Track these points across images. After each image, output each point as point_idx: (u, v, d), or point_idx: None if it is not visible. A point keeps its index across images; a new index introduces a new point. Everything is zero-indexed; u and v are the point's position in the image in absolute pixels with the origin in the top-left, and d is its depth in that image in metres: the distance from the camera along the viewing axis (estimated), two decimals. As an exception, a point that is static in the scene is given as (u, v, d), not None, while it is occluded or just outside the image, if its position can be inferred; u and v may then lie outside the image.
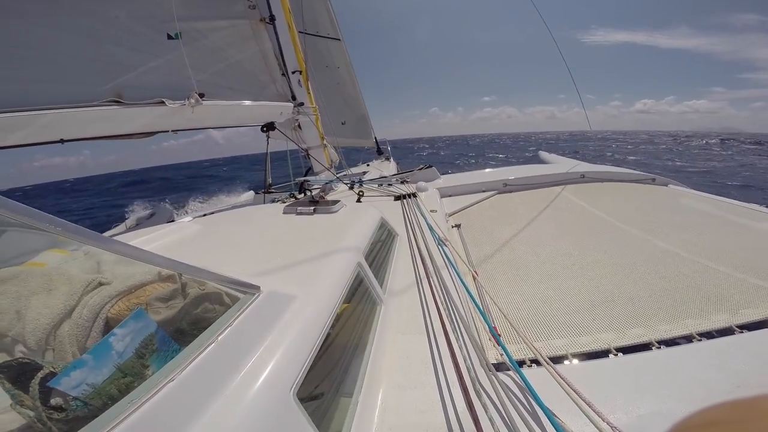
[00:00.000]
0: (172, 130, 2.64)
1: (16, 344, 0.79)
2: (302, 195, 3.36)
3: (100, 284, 0.90)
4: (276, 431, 0.65)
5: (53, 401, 0.52)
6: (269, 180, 4.11)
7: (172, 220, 3.55)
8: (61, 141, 2.09)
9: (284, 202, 3.13)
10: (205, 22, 2.93)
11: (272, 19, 3.48)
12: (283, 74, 3.67)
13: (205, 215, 2.98)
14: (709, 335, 1.26)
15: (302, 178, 3.97)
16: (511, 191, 3.61)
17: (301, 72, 3.89)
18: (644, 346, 1.24)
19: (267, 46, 3.46)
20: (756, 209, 2.49)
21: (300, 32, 3.98)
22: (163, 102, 2.36)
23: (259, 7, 3.37)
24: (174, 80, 2.57)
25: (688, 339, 1.25)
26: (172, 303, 0.83)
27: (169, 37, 2.59)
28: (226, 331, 0.75)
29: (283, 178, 4.72)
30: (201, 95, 2.56)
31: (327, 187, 3.57)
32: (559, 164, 4.65)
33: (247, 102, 3.13)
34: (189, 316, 0.77)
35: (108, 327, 0.83)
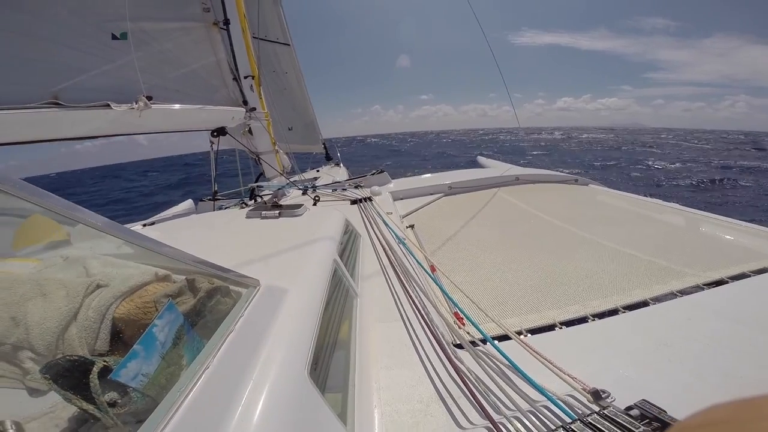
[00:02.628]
0: (119, 135, 2.48)
1: (20, 350, 0.78)
2: (253, 201, 3.31)
3: (98, 286, 0.90)
4: (300, 406, 0.71)
5: (113, 395, 0.55)
6: (215, 187, 3.97)
7: None
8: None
9: (241, 208, 3.07)
10: (155, 23, 2.79)
11: (227, 23, 3.41)
12: (234, 79, 3.59)
13: (154, 223, 2.82)
14: (630, 308, 1.51)
15: (254, 184, 3.90)
16: (455, 193, 3.87)
17: (253, 77, 3.84)
18: (582, 320, 1.47)
19: (220, 50, 3.37)
20: (659, 203, 2.98)
21: (253, 37, 3.92)
22: (108, 105, 2.22)
23: (213, 10, 3.29)
24: (120, 83, 2.42)
25: (614, 312, 1.50)
26: (182, 299, 0.86)
27: (114, 37, 2.44)
28: (240, 321, 0.80)
29: (223, 184, 4.55)
30: (149, 98, 2.45)
31: (280, 192, 3.54)
32: (496, 168, 5.06)
33: (198, 106, 3.03)
34: (205, 308, 0.82)
35: (116, 327, 0.85)
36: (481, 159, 6.63)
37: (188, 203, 4.82)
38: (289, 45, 6.65)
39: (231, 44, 3.54)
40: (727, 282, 1.66)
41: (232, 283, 0.94)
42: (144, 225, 2.59)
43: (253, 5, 4.13)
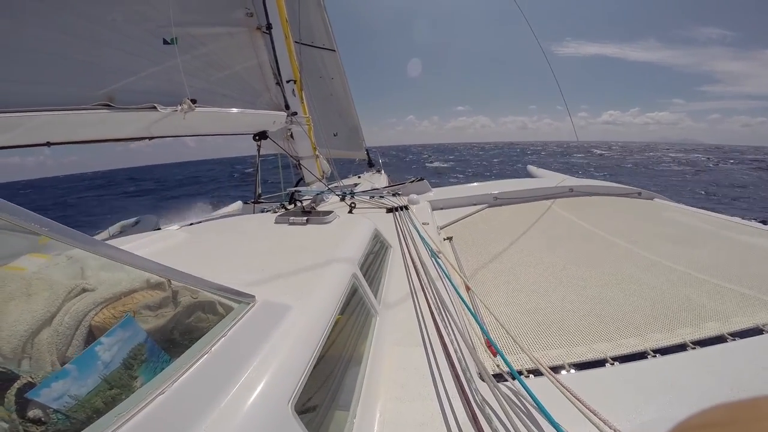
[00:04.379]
0: (165, 136, 2.59)
1: (-11, 352, 0.73)
2: (292, 206, 3.32)
3: (84, 290, 0.85)
4: None
5: (32, 414, 0.48)
6: (259, 190, 4.05)
7: (158, 229, 3.46)
8: (48, 144, 2.03)
9: (275, 212, 3.09)
10: (202, 29, 2.91)
11: (269, 27, 3.48)
12: (277, 83, 3.66)
13: (192, 224, 2.91)
14: (702, 343, 1.28)
15: (293, 189, 3.94)
16: (501, 205, 3.64)
17: (295, 81, 3.90)
18: (640, 355, 1.25)
19: (263, 54, 3.46)
20: (739, 222, 2.58)
21: (296, 42, 3.98)
22: (154, 107, 2.32)
23: (257, 15, 3.38)
24: (167, 86, 2.53)
25: (682, 347, 1.27)
26: (162, 311, 0.79)
27: (165, 42, 2.57)
28: (220, 341, 0.72)
29: (273, 186, 4.66)
30: (194, 101, 2.53)
31: (318, 198, 3.53)
32: (548, 178, 4.73)
33: (241, 110, 3.11)
34: (180, 325, 0.74)
35: (91, 335, 0.78)
36: (531, 168, 6.20)
37: (238, 204, 5.01)
38: (334, 51, 6.75)
39: (274, 48, 3.62)
40: None
41: (223, 297, 0.86)
42: (180, 227, 2.67)
43: (296, 10, 4.21)
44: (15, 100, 1.80)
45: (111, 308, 0.82)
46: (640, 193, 3.60)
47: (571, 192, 3.71)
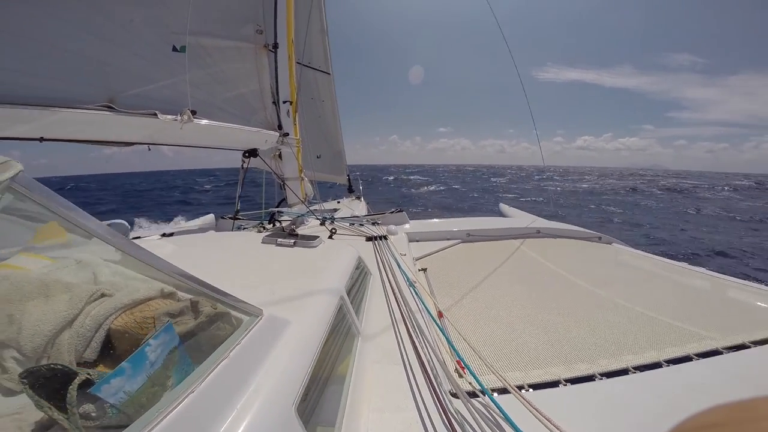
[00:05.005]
0: (159, 144, 2.59)
1: (5, 349, 0.75)
2: (271, 225, 3.35)
3: (103, 295, 0.88)
4: None
5: (90, 407, 0.52)
6: (238, 206, 4.05)
7: (138, 237, 3.37)
8: (41, 139, 2.00)
9: (259, 231, 3.11)
10: (213, 40, 2.99)
11: (275, 47, 3.60)
12: (274, 102, 3.75)
13: (171, 234, 2.86)
14: (641, 368, 1.46)
15: (275, 209, 3.96)
16: (473, 241, 3.82)
17: (291, 103, 4.00)
18: (589, 378, 1.42)
19: (264, 73, 3.56)
20: (685, 267, 2.90)
21: (297, 63, 4.11)
22: (155, 114, 2.34)
23: (265, 33, 3.50)
24: (168, 93, 2.56)
25: (624, 372, 1.45)
26: (182, 319, 0.83)
27: (174, 49, 2.61)
28: (236, 348, 0.79)
29: (247, 203, 4.64)
30: (194, 112, 2.57)
31: (299, 220, 3.58)
32: (518, 218, 5.00)
33: (237, 126, 3.16)
34: (204, 332, 0.79)
35: (109, 338, 0.82)
36: (502, 207, 6.52)
37: (210, 218, 4.92)
38: (329, 74, 6.95)
39: (276, 68, 3.72)
40: (749, 347, 1.61)
41: (234, 310, 0.92)
42: (163, 235, 2.63)
43: (302, 32, 4.36)
44: (18, 92, 1.79)
45: (130, 313, 0.86)
46: (600, 238, 3.90)
47: (538, 233, 3.96)
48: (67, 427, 0.50)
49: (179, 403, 0.59)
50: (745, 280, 2.50)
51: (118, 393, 0.53)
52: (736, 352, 1.56)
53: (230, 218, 3.95)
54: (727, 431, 0.20)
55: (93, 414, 0.52)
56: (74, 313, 0.80)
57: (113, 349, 0.81)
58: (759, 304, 2.11)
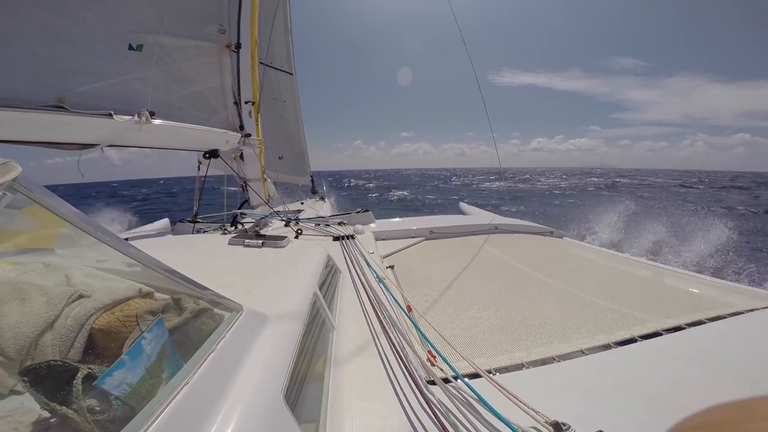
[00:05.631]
0: (114, 146, 2.48)
1: (-15, 352, 0.75)
2: (233, 228, 3.31)
3: (81, 296, 0.90)
4: (271, 428, 0.74)
5: (92, 401, 0.55)
6: (197, 209, 3.94)
7: None
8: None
9: (223, 233, 3.06)
10: (173, 39, 2.89)
11: (238, 47, 3.54)
12: (235, 103, 3.69)
13: (127, 239, 2.75)
14: (592, 350, 1.63)
15: (237, 211, 3.90)
16: (436, 238, 3.99)
17: (253, 103, 3.95)
18: (548, 360, 1.57)
19: (226, 73, 3.48)
20: (627, 257, 3.23)
21: (260, 62, 4.06)
22: (110, 114, 2.24)
23: (228, 33, 3.43)
24: (124, 93, 2.47)
25: (578, 354, 1.61)
26: (166, 316, 0.87)
27: (131, 47, 2.52)
28: (222, 342, 0.83)
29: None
30: (152, 113, 2.49)
31: (262, 221, 3.55)
32: (477, 216, 5.27)
33: (197, 126, 3.08)
34: (189, 328, 0.83)
35: (92, 338, 0.84)
36: (463, 206, 6.83)
37: (164, 222, 4.72)
38: (292, 74, 6.90)
39: (238, 68, 3.67)
40: (684, 328, 1.82)
41: (216, 306, 0.96)
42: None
43: (266, 32, 4.32)
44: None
45: (110, 313, 0.88)
46: (552, 232, 4.20)
47: (496, 230, 4.19)
48: (78, 420, 0.53)
49: (176, 395, 0.63)
50: (679, 268, 2.85)
51: (121, 385, 0.56)
52: (673, 333, 1.77)
53: (189, 221, 3.83)
54: (726, 431, 0.21)
55: (97, 407, 0.56)
56: (54, 314, 0.81)
57: (97, 348, 0.83)
58: (692, 290, 2.40)
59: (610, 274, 2.85)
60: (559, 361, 1.56)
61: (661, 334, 1.75)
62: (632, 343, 1.69)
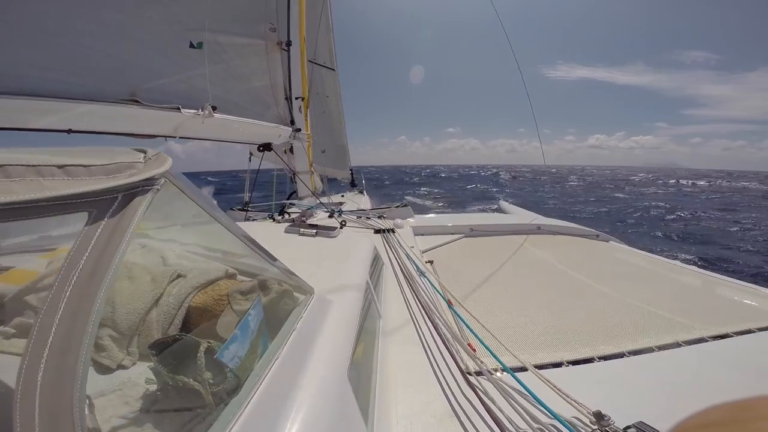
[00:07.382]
0: (181, 137, 2.66)
1: (102, 328, 0.83)
2: (281, 217, 3.44)
3: (179, 276, 0.97)
4: (338, 402, 0.79)
5: (210, 373, 0.60)
6: (248, 198, 4.13)
7: None
8: (69, 131, 2.07)
9: (275, 222, 3.20)
10: (228, 37, 3.04)
11: (288, 44, 3.65)
12: (286, 98, 3.81)
13: None
14: (636, 353, 1.60)
15: (286, 201, 4.03)
16: (476, 236, 3.91)
17: (303, 99, 4.06)
18: (588, 360, 1.55)
19: (277, 69, 3.61)
20: (677, 264, 3.05)
21: (308, 60, 4.16)
22: (178, 108, 2.40)
23: (278, 31, 3.54)
24: (186, 88, 2.62)
25: (620, 355, 1.58)
26: (252, 296, 0.92)
27: (192, 45, 2.66)
28: (300, 321, 0.89)
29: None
30: (214, 108, 2.63)
31: (308, 212, 3.66)
32: (518, 215, 5.12)
33: (253, 121, 3.22)
34: (275, 308, 0.88)
35: (188, 315, 0.90)
36: (503, 204, 6.65)
37: None
38: (334, 70, 7.02)
39: (289, 65, 3.77)
40: (731, 336, 1.75)
41: (294, 288, 1.01)
42: None
43: (312, 31, 4.42)
44: (47, 86, 1.86)
45: (204, 292, 0.94)
46: (597, 236, 4.00)
47: (538, 230, 4.06)
48: (202, 392, 0.58)
49: (270, 368, 0.68)
50: (732, 277, 2.67)
51: (234, 358, 0.62)
52: (720, 340, 1.70)
53: (240, 209, 4.04)
54: (727, 430, 0.21)
55: (212, 379, 0.61)
56: (159, 292, 0.88)
57: (192, 324, 0.89)
58: (744, 300, 2.25)
59: (658, 280, 2.72)
60: (599, 361, 1.54)
61: (706, 341, 1.70)
62: (676, 347, 1.64)
